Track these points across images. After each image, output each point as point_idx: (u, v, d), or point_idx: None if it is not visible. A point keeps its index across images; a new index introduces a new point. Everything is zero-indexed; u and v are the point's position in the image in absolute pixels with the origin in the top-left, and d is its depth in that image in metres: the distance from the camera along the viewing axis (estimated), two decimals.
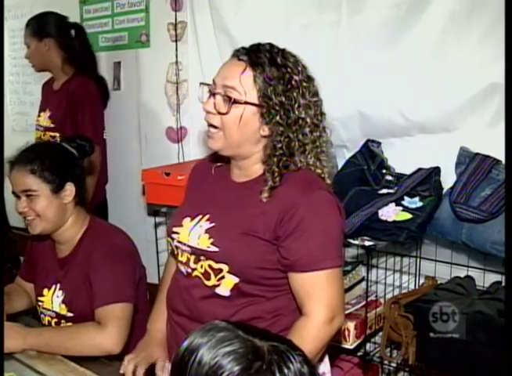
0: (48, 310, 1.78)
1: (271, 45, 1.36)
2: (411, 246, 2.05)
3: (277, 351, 0.79)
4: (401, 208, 1.88)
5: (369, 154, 2.09)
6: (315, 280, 1.31)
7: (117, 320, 1.58)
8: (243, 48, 1.38)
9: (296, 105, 1.32)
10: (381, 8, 2.03)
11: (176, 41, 2.75)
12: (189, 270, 1.41)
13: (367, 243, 1.88)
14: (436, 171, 1.95)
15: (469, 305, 1.70)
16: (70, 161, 1.77)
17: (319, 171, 1.38)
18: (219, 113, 1.34)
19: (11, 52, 3.71)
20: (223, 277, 1.35)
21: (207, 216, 1.41)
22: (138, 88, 3.00)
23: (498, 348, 1.57)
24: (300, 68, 1.35)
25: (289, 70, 1.33)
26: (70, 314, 1.72)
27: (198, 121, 2.32)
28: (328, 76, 1.99)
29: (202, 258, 1.37)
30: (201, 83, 1.43)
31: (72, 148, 1.77)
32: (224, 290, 1.36)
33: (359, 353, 2.17)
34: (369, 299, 2.01)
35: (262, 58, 1.32)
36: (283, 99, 1.31)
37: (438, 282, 2.00)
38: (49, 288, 1.78)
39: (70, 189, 1.72)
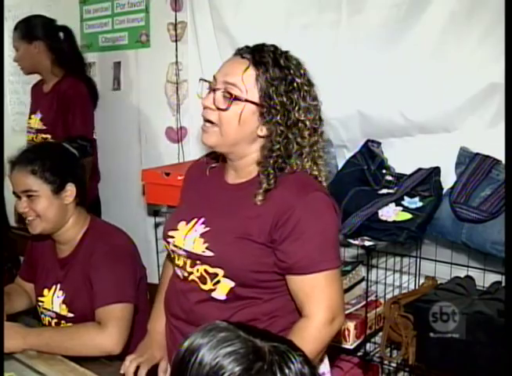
0: (49, 310, 1.78)
1: (275, 46, 1.36)
2: (411, 246, 2.05)
3: (278, 351, 0.79)
4: (401, 208, 1.88)
5: (369, 154, 2.09)
6: (314, 282, 1.30)
7: (118, 321, 1.58)
8: (247, 46, 1.37)
9: (296, 107, 1.32)
10: (381, 8, 2.03)
11: (176, 41, 2.75)
12: (186, 274, 1.40)
13: (367, 243, 1.88)
14: (436, 171, 1.95)
15: (469, 305, 1.70)
16: (71, 162, 1.77)
17: (315, 173, 1.37)
18: (218, 109, 1.32)
19: (11, 52, 3.69)
20: (219, 281, 1.34)
21: (201, 219, 1.40)
22: (138, 88, 3.00)
23: (498, 348, 1.57)
24: (302, 71, 1.35)
25: (291, 71, 1.32)
26: (70, 314, 1.72)
27: (198, 121, 2.27)
28: (328, 76, 2.00)
29: (198, 262, 1.36)
30: (201, 79, 1.41)
31: (73, 148, 1.77)
32: (220, 294, 1.35)
33: (359, 353, 2.16)
34: (369, 299, 2.01)
35: (266, 58, 1.32)
36: (285, 99, 1.31)
37: (438, 282, 2.00)
38: (49, 288, 1.78)
39: (70, 189, 1.72)
